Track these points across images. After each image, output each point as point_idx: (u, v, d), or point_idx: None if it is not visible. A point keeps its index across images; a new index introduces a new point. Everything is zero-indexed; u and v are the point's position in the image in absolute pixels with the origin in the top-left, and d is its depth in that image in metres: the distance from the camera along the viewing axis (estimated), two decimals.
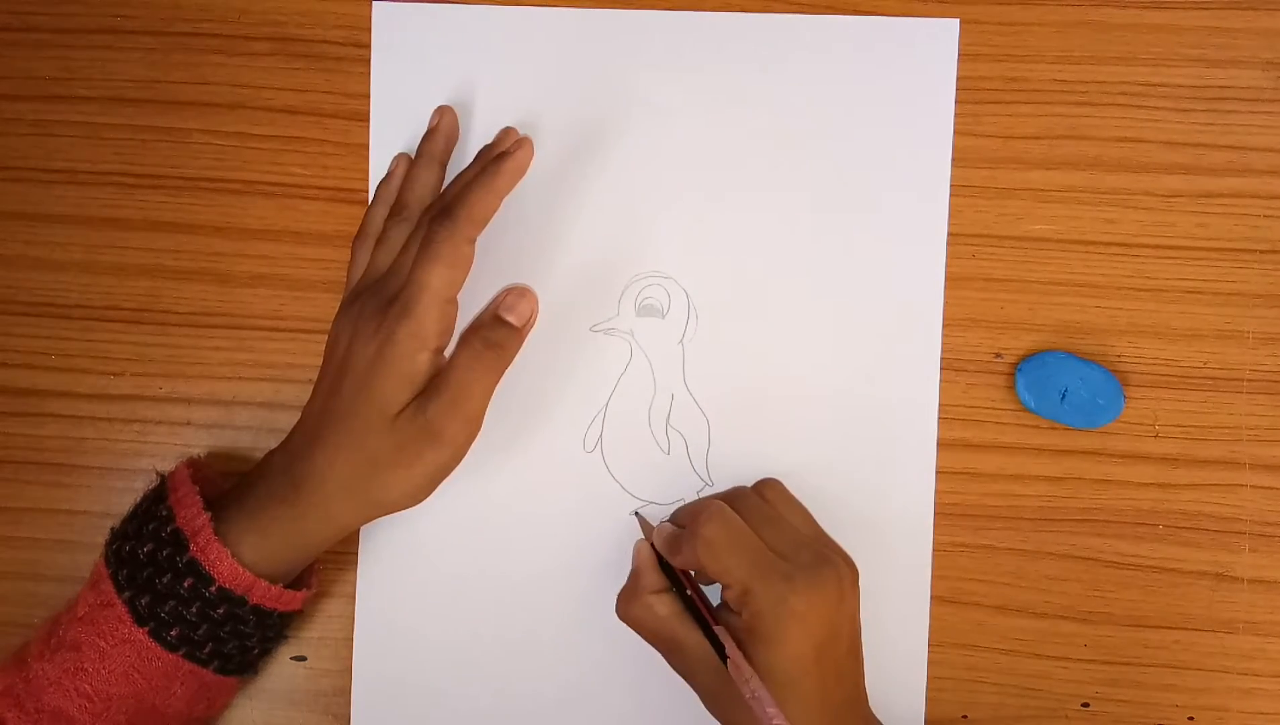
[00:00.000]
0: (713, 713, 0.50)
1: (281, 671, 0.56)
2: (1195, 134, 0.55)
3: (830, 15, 0.55)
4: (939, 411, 0.55)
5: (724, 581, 0.48)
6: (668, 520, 0.53)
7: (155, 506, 0.49)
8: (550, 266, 0.56)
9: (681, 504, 0.55)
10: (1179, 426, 0.55)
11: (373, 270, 0.52)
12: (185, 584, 0.47)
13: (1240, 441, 0.55)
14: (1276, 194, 0.55)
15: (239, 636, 0.49)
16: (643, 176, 0.56)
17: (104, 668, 0.47)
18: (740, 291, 0.55)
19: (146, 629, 0.47)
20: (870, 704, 0.53)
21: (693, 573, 0.51)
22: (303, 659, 0.56)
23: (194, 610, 0.47)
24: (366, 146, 0.56)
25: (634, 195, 0.55)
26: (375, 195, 0.55)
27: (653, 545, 0.52)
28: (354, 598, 0.56)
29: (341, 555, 0.56)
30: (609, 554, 0.55)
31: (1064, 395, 0.54)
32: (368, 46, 0.56)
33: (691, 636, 0.49)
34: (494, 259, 0.56)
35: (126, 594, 0.47)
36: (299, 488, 0.49)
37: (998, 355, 0.55)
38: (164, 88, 0.57)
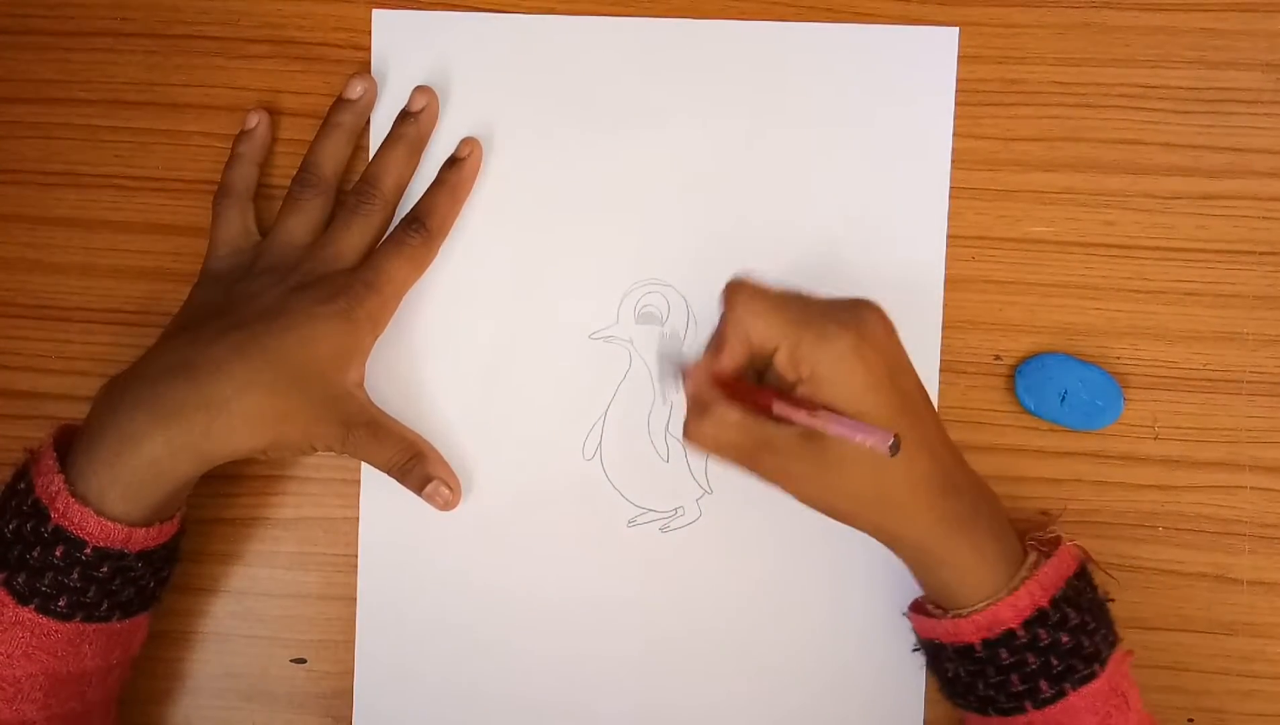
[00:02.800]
0: (818, 503, 0.47)
1: (282, 674, 0.56)
2: (1194, 136, 0.55)
3: (830, 24, 0.55)
4: (939, 413, 0.55)
5: (770, 345, 0.46)
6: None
7: (17, 481, 0.48)
8: (549, 274, 0.56)
9: (680, 510, 0.55)
10: (1178, 428, 0.55)
11: (285, 236, 0.53)
12: (57, 553, 0.46)
13: (1240, 443, 0.55)
14: (1276, 196, 0.55)
15: (132, 583, 0.49)
16: (642, 184, 0.55)
17: (0, 654, 0.47)
18: None
19: (32, 607, 0.47)
20: (868, 705, 0.54)
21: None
22: (303, 661, 0.56)
23: (75, 576, 0.47)
24: (366, 150, 0.56)
25: (633, 203, 0.55)
26: (238, 152, 0.55)
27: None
28: (353, 600, 0.56)
29: (341, 558, 0.56)
30: (608, 560, 0.55)
31: (1063, 397, 0.54)
32: (367, 49, 0.56)
33: (773, 430, 0.46)
34: (492, 266, 0.56)
35: (1, 575, 0.47)
36: (184, 418, 0.48)
37: (997, 357, 0.55)
38: (163, 90, 0.57)
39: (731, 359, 0.47)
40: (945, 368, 0.55)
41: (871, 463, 0.45)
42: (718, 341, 0.48)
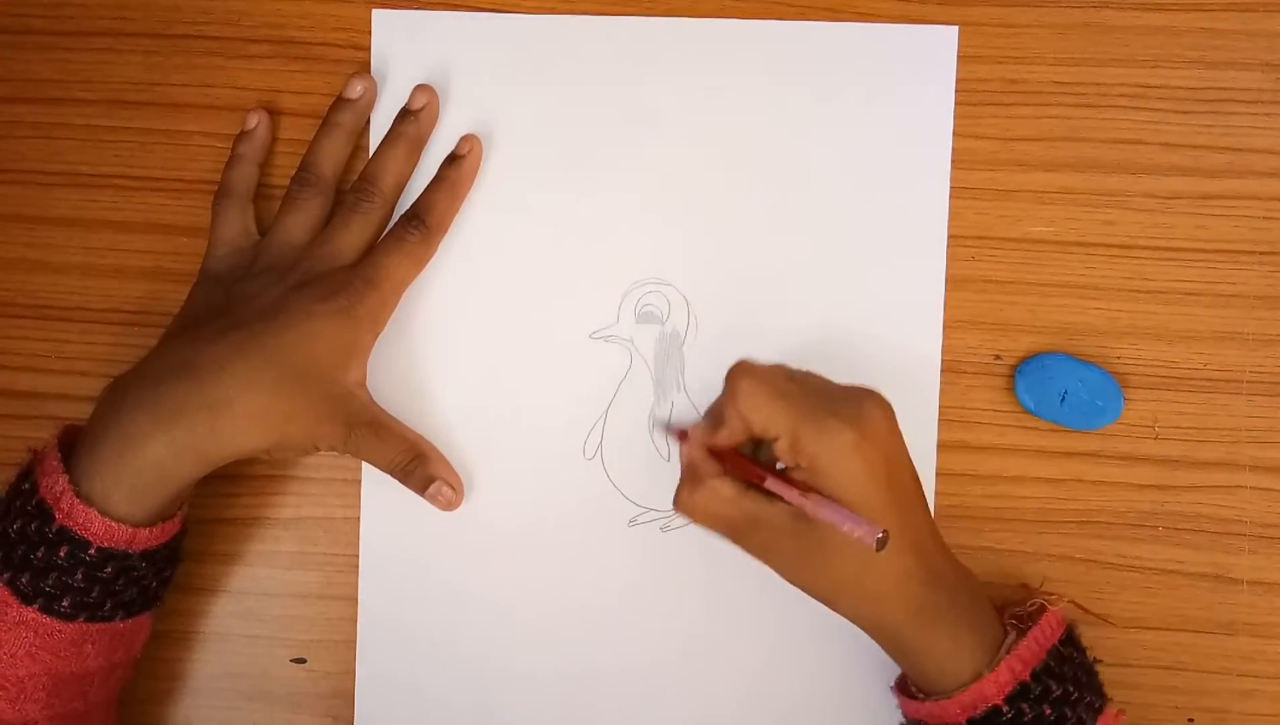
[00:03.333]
0: (801, 584, 0.48)
1: (282, 674, 0.56)
2: (1194, 136, 0.55)
3: (829, 23, 0.55)
4: (939, 413, 0.55)
5: (771, 433, 0.46)
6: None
7: (21, 481, 0.48)
8: (550, 274, 0.56)
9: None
10: (1178, 428, 0.55)
11: (284, 235, 0.53)
12: (61, 553, 0.46)
13: (1239, 443, 0.55)
14: (1276, 196, 0.55)
15: (135, 583, 0.49)
16: (642, 183, 0.55)
17: (3, 654, 0.46)
18: (740, 297, 0.55)
19: (35, 607, 0.47)
20: (869, 703, 0.53)
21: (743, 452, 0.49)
22: (303, 661, 0.56)
23: (79, 577, 0.47)
24: (366, 149, 0.56)
25: (633, 202, 0.55)
26: (238, 153, 0.55)
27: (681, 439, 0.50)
28: (353, 600, 0.56)
29: (341, 558, 0.56)
30: (609, 559, 0.55)
31: (1063, 397, 0.54)
32: (367, 49, 0.56)
33: (765, 507, 0.47)
34: (492, 266, 0.56)
35: (5, 575, 0.47)
36: (186, 419, 0.48)
37: (997, 357, 0.55)
38: (164, 90, 0.57)
39: (730, 437, 0.48)
40: (945, 368, 0.55)
41: (856, 553, 0.46)
42: (717, 418, 0.48)
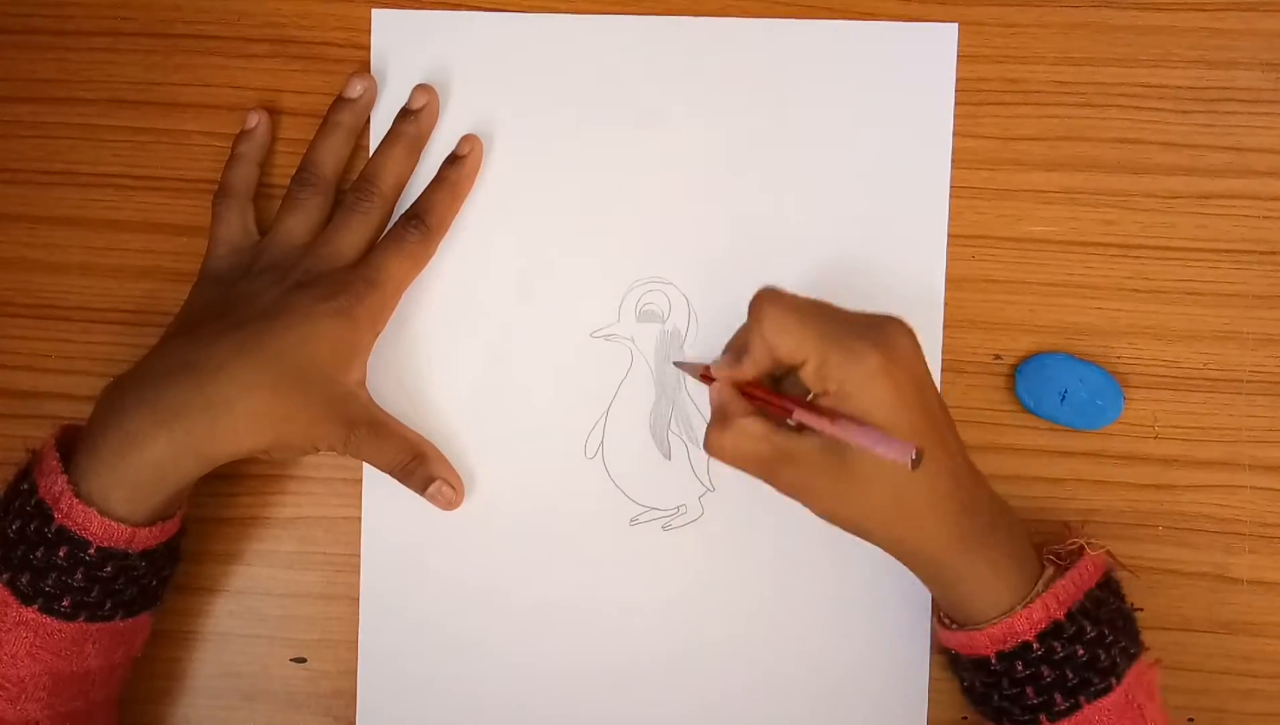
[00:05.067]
0: (835, 516, 0.47)
1: (282, 674, 0.56)
2: (1195, 135, 0.55)
3: (829, 20, 0.55)
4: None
5: (798, 358, 0.45)
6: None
7: (20, 482, 0.48)
8: (550, 273, 0.56)
9: (682, 508, 0.55)
10: (1178, 428, 0.55)
11: (285, 235, 0.53)
12: (60, 554, 0.46)
13: (1240, 442, 0.55)
14: (1276, 195, 0.55)
15: (134, 583, 0.49)
16: (642, 182, 0.56)
17: (4, 654, 0.47)
18: (740, 295, 0.55)
19: (35, 607, 0.47)
20: (870, 705, 0.53)
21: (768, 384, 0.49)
22: (303, 661, 0.56)
23: (79, 577, 0.47)
24: (366, 149, 0.56)
25: (633, 201, 0.55)
26: (238, 152, 0.55)
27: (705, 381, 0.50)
28: (353, 600, 0.56)
29: (341, 557, 0.56)
30: (611, 559, 0.55)
31: (1063, 396, 0.54)
32: (367, 49, 0.56)
33: (795, 441, 0.46)
34: (493, 265, 0.56)
35: (5, 576, 0.47)
36: (186, 419, 0.48)
37: (997, 357, 0.55)
38: (163, 90, 0.57)
39: (755, 368, 0.47)
40: (945, 367, 0.55)
41: (893, 478, 0.45)
42: (740, 348, 0.47)
